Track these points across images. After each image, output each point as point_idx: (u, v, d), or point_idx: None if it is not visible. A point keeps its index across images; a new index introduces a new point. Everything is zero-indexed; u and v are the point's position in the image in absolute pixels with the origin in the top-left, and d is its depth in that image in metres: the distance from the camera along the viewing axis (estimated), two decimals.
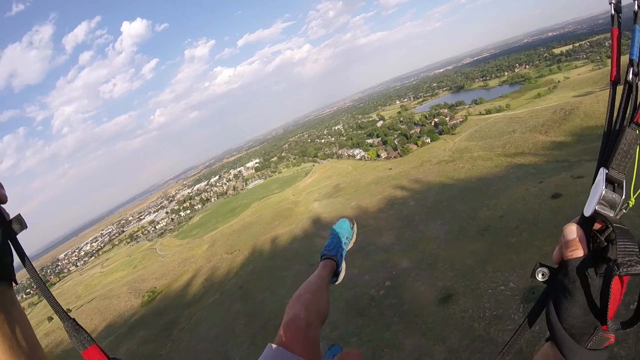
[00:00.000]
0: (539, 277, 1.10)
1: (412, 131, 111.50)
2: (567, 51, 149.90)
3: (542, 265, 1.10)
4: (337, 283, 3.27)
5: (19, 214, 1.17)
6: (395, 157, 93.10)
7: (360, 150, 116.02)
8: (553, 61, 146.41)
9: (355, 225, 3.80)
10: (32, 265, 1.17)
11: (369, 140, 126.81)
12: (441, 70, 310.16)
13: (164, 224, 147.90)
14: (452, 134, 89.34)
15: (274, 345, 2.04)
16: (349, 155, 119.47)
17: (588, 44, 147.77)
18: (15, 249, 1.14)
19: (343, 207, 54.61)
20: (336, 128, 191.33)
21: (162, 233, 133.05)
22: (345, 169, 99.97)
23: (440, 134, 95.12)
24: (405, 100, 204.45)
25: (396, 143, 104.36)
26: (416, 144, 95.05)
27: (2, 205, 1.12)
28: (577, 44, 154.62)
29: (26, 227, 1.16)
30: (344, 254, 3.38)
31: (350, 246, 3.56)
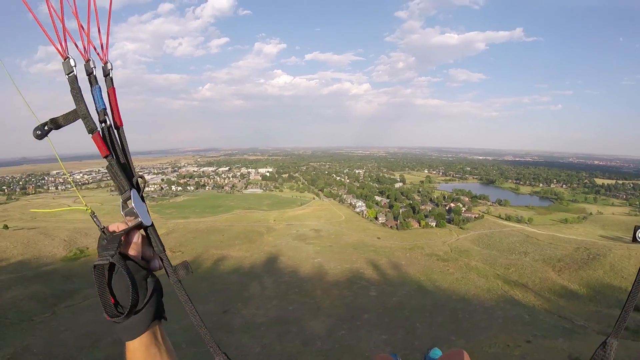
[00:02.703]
0: None
1: (423, 207, 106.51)
2: (608, 185, 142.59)
3: None
4: None
5: (186, 261, 1.56)
6: (391, 227, 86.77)
7: (363, 204, 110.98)
8: (591, 190, 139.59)
9: None
10: (188, 297, 1.54)
11: (378, 198, 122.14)
12: (481, 157, 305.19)
13: (152, 189, 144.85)
14: (461, 228, 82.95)
15: None
16: (350, 204, 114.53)
17: (631, 185, 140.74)
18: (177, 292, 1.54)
19: (306, 260, 50.36)
20: (357, 171, 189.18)
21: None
22: (338, 217, 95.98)
23: (449, 222, 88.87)
24: (434, 172, 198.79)
25: (400, 213, 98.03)
26: (419, 222, 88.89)
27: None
28: (620, 182, 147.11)
29: (192, 272, 1.57)
30: None
31: None
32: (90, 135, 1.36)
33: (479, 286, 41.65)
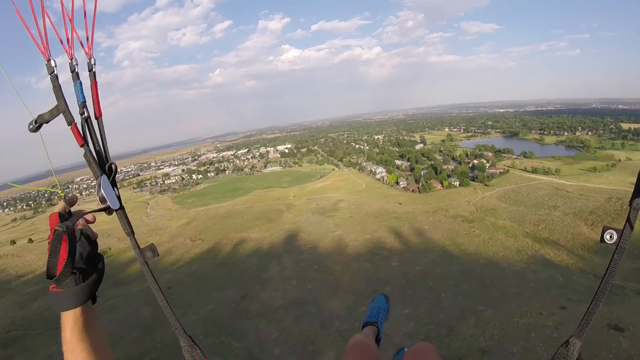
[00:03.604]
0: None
1: (445, 166, 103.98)
2: (635, 129, 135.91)
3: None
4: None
5: (152, 244, 1.68)
6: (413, 190, 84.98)
7: (383, 170, 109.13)
8: (618, 136, 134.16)
9: (390, 301, 4.38)
10: (153, 277, 1.66)
11: (398, 162, 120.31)
12: (502, 110, 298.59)
13: (173, 180, 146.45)
14: (485, 185, 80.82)
15: None
16: (370, 171, 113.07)
17: None
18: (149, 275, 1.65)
19: (325, 234, 49.36)
20: (376, 137, 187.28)
21: (164, 190, 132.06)
22: (359, 186, 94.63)
23: (473, 180, 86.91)
24: (455, 130, 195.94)
25: (422, 175, 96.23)
26: (442, 183, 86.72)
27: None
28: None
29: (158, 255, 1.69)
30: (384, 322, 3.87)
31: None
32: (69, 126, 1.59)
33: (508, 247, 39.72)
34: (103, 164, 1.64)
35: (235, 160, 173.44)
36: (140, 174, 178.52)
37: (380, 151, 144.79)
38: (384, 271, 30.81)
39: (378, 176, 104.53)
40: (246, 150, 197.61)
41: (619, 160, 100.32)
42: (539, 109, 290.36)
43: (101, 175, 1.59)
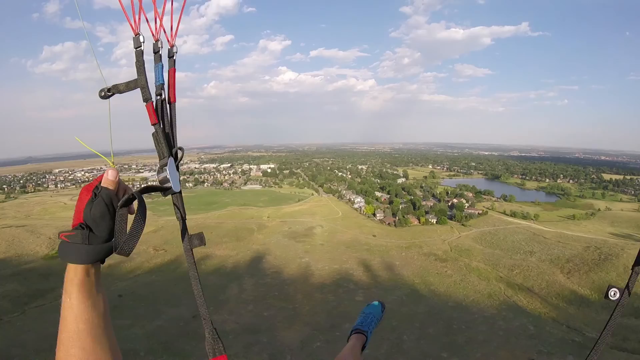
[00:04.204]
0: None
1: (425, 203, 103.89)
2: (616, 180, 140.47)
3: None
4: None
5: (202, 232, 1.72)
6: (389, 223, 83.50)
7: (362, 200, 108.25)
8: (599, 185, 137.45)
9: (385, 312, 3.95)
10: (195, 265, 1.70)
11: (378, 194, 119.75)
12: (486, 153, 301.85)
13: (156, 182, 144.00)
14: (463, 225, 79.90)
15: None
16: (349, 200, 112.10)
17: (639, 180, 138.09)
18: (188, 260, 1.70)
19: (293, 259, 48.11)
20: (360, 167, 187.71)
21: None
22: (335, 213, 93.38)
23: (451, 218, 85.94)
24: (439, 167, 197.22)
25: (400, 209, 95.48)
26: (419, 219, 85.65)
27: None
28: (628, 177, 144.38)
29: (204, 244, 1.71)
30: (372, 331, 3.58)
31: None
32: (145, 103, 1.58)
33: (479, 290, 38.42)
34: (171, 147, 1.62)
35: (216, 173, 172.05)
36: (120, 176, 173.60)
37: (362, 181, 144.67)
38: (347, 305, 29.20)
39: (356, 205, 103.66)
40: (229, 165, 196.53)
41: (599, 209, 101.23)
42: (523, 154, 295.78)
43: (169, 156, 1.57)
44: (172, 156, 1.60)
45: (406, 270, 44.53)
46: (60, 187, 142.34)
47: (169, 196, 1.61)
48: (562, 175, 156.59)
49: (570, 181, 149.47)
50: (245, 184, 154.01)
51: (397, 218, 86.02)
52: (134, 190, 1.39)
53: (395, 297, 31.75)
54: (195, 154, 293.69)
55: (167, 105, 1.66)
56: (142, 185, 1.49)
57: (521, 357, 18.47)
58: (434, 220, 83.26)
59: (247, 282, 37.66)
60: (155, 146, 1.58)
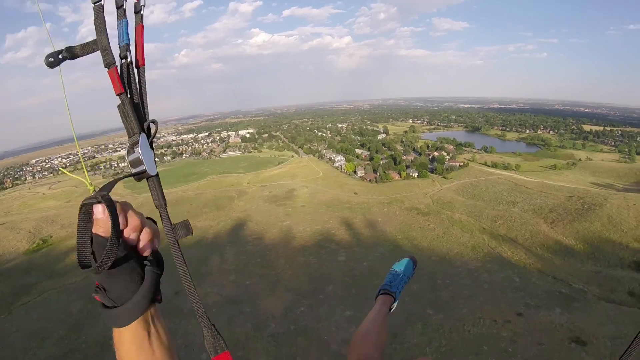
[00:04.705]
0: None
1: (405, 157, 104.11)
2: (596, 131, 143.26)
3: None
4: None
5: (187, 220, 1.40)
6: (370, 180, 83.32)
7: (342, 158, 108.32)
8: (579, 136, 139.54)
9: (417, 265, 3.85)
10: (184, 259, 1.37)
11: (359, 151, 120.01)
12: (466, 106, 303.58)
13: (127, 165, 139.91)
14: (444, 177, 79.57)
15: None
16: (329, 159, 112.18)
17: (619, 132, 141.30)
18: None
19: (274, 224, 46.65)
20: (340, 125, 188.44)
21: (117, 173, 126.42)
22: (316, 174, 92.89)
23: (432, 172, 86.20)
24: (419, 122, 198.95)
25: (380, 165, 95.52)
26: (400, 173, 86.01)
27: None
28: (608, 129, 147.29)
29: (192, 233, 1.39)
30: (402, 290, 3.48)
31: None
32: (107, 69, 1.26)
33: (463, 243, 37.58)
34: (142, 121, 1.30)
35: (194, 143, 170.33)
36: (97, 156, 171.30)
37: (342, 139, 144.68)
38: (329, 266, 28.65)
39: (336, 164, 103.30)
40: (207, 134, 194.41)
41: (580, 159, 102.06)
42: (503, 106, 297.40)
43: (140, 132, 1.26)
44: (144, 132, 1.29)
45: (388, 226, 43.82)
46: (38, 178, 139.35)
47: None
48: (542, 126, 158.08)
49: (551, 132, 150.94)
50: (224, 151, 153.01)
51: (378, 174, 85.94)
52: (105, 197, 1.08)
53: (378, 255, 31.26)
54: (172, 126, 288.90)
55: (135, 70, 1.31)
56: (109, 180, 1.19)
57: (508, 312, 18.10)
58: (415, 175, 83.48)
59: (228, 251, 36.46)
60: (123, 121, 1.25)
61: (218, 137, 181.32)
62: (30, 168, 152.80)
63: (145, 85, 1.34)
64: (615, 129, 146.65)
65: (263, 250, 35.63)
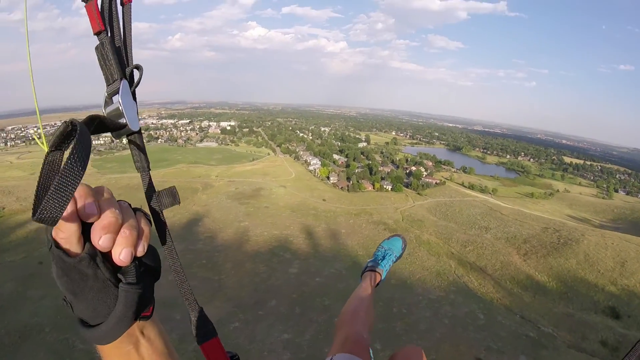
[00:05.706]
0: None
1: (382, 168, 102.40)
2: (576, 164, 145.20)
3: None
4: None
5: (174, 187, 1.12)
6: (342, 188, 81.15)
7: (318, 162, 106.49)
8: (559, 167, 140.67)
9: (406, 246, 3.82)
10: (168, 232, 1.07)
11: (336, 156, 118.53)
12: (450, 125, 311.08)
13: (101, 142, 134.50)
14: (418, 194, 78.24)
15: (347, 355, 2.31)
16: (305, 161, 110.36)
17: (599, 167, 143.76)
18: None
19: (232, 223, 44.45)
20: (323, 129, 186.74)
21: (100, 152, 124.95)
22: (288, 174, 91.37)
23: (407, 186, 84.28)
24: (402, 135, 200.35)
25: (355, 173, 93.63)
26: (373, 184, 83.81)
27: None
28: (588, 163, 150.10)
29: (179, 203, 1.13)
30: (389, 268, 3.45)
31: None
32: (84, 3, 1.03)
33: (428, 267, 35.22)
34: (124, 66, 1.04)
35: (173, 129, 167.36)
36: None
37: (322, 143, 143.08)
38: (278, 278, 26.60)
39: (311, 167, 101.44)
40: (188, 121, 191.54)
41: (557, 190, 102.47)
42: (487, 129, 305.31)
43: (121, 79, 1.00)
44: (126, 79, 1.03)
45: (351, 239, 41.62)
46: (10, 145, 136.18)
47: (127, 152, 1.02)
48: (523, 153, 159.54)
49: (531, 160, 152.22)
50: (201, 141, 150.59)
51: (350, 182, 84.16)
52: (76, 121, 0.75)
53: (334, 271, 29.05)
54: (156, 109, 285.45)
55: (119, 7, 1.07)
56: (89, 115, 0.86)
57: (467, 355, 16.70)
58: (389, 187, 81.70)
59: (176, 247, 33.81)
60: (101, 66, 1.02)
61: (198, 126, 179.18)
62: (5, 134, 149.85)
63: (130, 26, 1.09)
64: (595, 163, 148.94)
65: (212, 251, 33.67)
